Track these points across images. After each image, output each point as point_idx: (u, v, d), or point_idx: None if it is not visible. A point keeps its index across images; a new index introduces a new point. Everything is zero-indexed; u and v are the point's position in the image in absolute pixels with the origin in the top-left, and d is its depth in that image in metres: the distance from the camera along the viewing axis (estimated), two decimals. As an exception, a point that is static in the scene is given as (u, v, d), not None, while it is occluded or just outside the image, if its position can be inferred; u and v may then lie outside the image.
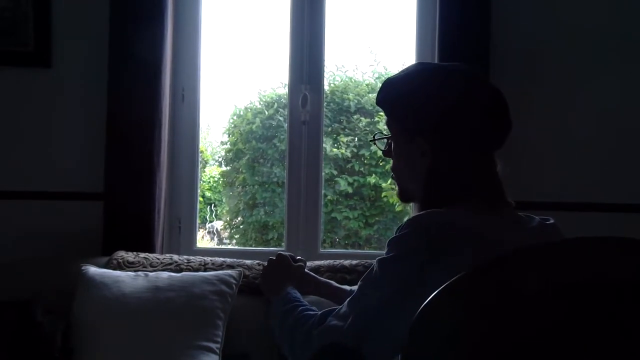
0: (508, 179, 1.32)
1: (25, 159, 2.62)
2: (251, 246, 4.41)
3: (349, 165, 4.24)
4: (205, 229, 5.13)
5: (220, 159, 5.05)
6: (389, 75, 1.42)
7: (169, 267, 2.30)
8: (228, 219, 4.85)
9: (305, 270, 1.65)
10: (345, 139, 4.23)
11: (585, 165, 2.64)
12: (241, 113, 4.58)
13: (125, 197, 2.51)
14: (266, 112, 4.41)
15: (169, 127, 2.65)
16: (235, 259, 2.38)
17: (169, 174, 2.68)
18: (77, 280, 2.16)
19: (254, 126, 4.37)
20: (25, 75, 2.62)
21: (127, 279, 2.15)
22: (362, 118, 4.23)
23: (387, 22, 4.10)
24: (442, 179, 1.29)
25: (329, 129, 4.18)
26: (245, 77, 4.52)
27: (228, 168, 4.77)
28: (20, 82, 2.62)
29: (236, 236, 4.72)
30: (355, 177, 4.23)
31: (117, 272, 2.21)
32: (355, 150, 4.24)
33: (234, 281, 2.18)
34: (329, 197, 4.15)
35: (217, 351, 2.06)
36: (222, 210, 5.11)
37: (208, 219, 5.17)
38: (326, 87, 3.97)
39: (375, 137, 1.48)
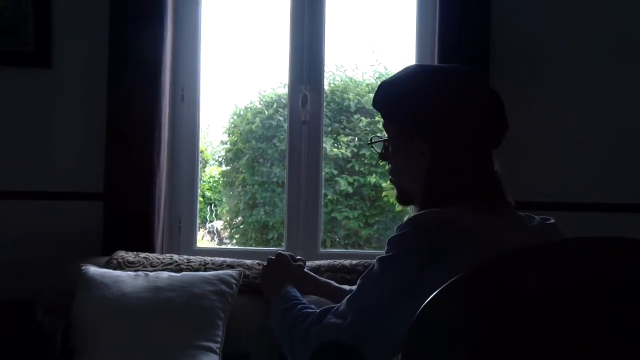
0: (508, 179, 1.32)
1: (25, 159, 2.62)
2: (251, 246, 4.41)
3: (349, 165, 4.24)
4: (206, 229, 5.13)
5: (220, 159, 5.05)
6: (389, 75, 1.42)
7: (169, 267, 2.30)
8: (228, 218, 4.85)
9: (305, 270, 1.65)
10: (345, 139, 4.23)
11: (585, 165, 2.64)
12: (241, 113, 4.59)
13: (125, 197, 2.51)
14: (266, 112, 4.41)
15: (169, 127, 2.65)
16: (235, 259, 2.38)
17: (169, 173, 2.68)
18: (77, 280, 2.16)
19: (253, 126, 4.37)
20: (25, 75, 2.62)
21: (127, 279, 2.15)
22: (362, 118, 4.23)
23: (387, 22, 4.10)
24: (442, 178, 1.29)
25: (329, 129, 4.18)
26: (245, 76, 4.53)
27: (228, 168, 4.77)
28: (20, 82, 2.62)
29: (236, 236, 4.72)
30: (356, 177, 4.23)
31: (117, 272, 2.21)
32: (355, 150, 4.24)
33: (234, 281, 2.18)
34: (329, 197, 4.15)
35: (217, 351, 2.06)
36: (222, 210, 5.12)
37: (208, 218, 5.18)
38: (326, 87, 3.97)
39: (372, 140, 1.47)
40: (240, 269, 2.28)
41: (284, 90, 4.17)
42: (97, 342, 2.02)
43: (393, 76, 1.39)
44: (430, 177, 1.30)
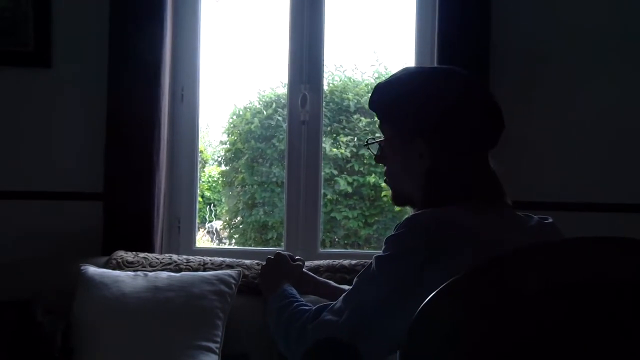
0: (508, 179, 1.32)
1: (25, 159, 2.62)
2: (250, 246, 4.40)
3: (348, 165, 4.24)
4: (205, 229, 5.12)
5: (219, 159, 5.05)
6: (389, 75, 1.42)
7: (168, 267, 2.30)
8: (227, 218, 4.85)
9: (304, 270, 1.65)
10: (344, 139, 4.23)
11: (585, 165, 2.64)
12: (240, 113, 4.58)
13: (125, 197, 2.51)
14: (265, 112, 4.41)
15: (169, 126, 2.65)
16: (234, 259, 2.38)
17: (168, 173, 2.68)
18: (77, 280, 2.16)
19: (253, 126, 4.37)
20: (25, 75, 2.62)
21: (126, 279, 2.15)
22: (362, 118, 4.23)
23: (387, 22, 4.10)
24: (442, 179, 1.29)
25: (329, 129, 4.18)
26: (244, 76, 4.52)
27: (227, 168, 4.76)
28: (20, 82, 2.62)
29: (235, 236, 4.71)
30: (355, 177, 4.23)
31: (117, 272, 2.21)
32: (354, 150, 4.24)
33: (233, 281, 2.18)
34: (328, 197, 4.15)
35: (217, 351, 2.06)
36: (221, 210, 5.11)
37: (207, 218, 5.17)
38: (325, 87, 3.97)
39: (369, 142, 1.46)
40: (240, 269, 2.28)
41: (283, 90, 4.17)
42: (96, 342, 2.02)
43: (390, 77, 1.39)
44: (429, 177, 1.30)
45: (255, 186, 4.39)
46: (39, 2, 2.57)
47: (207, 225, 5.15)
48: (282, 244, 2.84)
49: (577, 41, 2.65)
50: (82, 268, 2.19)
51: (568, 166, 2.65)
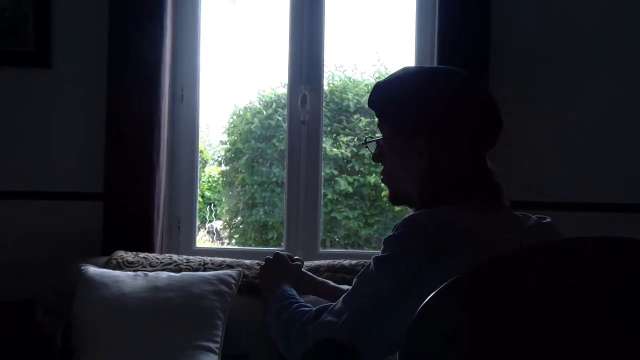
0: (508, 179, 1.32)
1: (25, 159, 2.62)
2: (250, 246, 4.40)
3: (349, 165, 4.24)
4: (205, 229, 5.12)
5: (219, 159, 5.05)
6: (387, 75, 1.42)
7: (168, 267, 2.30)
8: (227, 218, 4.85)
9: (303, 269, 1.65)
10: (345, 139, 4.23)
11: (585, 165, 2.64)
12: (240, 113, 4.58)
13: (125, 197, 2.51)
14: (265, 112, 4.41)
15: (169, 126, 2.65)
16: (234, 259, 2.38)
17: (168, 173, 2.68)
18: (77, 280, 2.16)
19: (253, 126, 4.37)
20: (25, 75, 2.62)
21: (126, 279, 2.15)
22: (362, 118, 4.23)
23: (387, 22, 4.10)
24: (442, 178, 1.29)
25: (329, 129, 4.18)
26: (244, 76, 4.52)
27: (227, 168, 4.76)
28: (20, 82, 2.62)
29: (235, 236, 4.71)
30: (356, 177, 4.23)
31: (117, 272, 2.21)
32: (355, 150, 4.23)
33: (233, 281, 2.18)
34: (328, 197, 4.15)
35: (217, 351, 2.06)
36: (221, 210, 5.11)
37: (207, 218, 5.17)
38: (325, 87, 3.97)
39: (367, 140, 1.46)
40: (240, 269, 2.28)
41: (283, 90, 4.17)
42: (96, 342, 2.02)
43: (389, 77, 1.39)
44: (429, 177, 1.30)
45: (255, 186, 4.39)
46: (39, 2, 2.57)
47: (207, 225, 5.15)
48: (282, 244, 2.84)
49: (577, 41, 2.65)
50: (82, 268, 2.19)
51: (568, 166, 2.65)
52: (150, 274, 2.20)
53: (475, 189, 1.29)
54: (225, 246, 4.58)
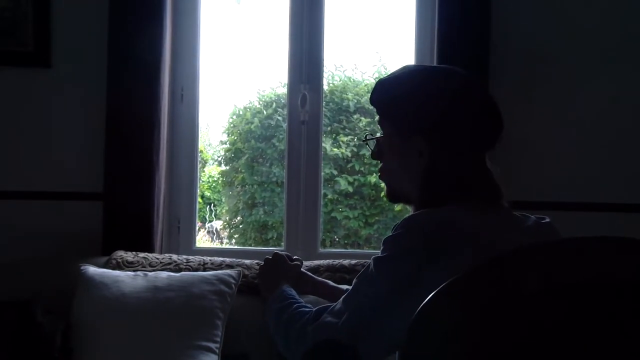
0: (508, 179, 1.32)
1: (25, 159, 2.62)
2: (250, 246, 4.40)
3: (349, 165, 4.24)
4: (205, 229, 5.12)
5: (219, 159, 5.05)
6: (389, 73, 1.42)
7: (168, 266, 2.30)
8: (227, 218, 4.85)
9: (302, 270, 1.65)
10: (345, 139, 4.23)
11: (585, 165, 2.64)
12: (240, 112, 4.58)
13: (125, 197, 2.51)
14: (265, 112, 4.41)
15: (168, 126, 2.65)
16: (234, 259, 2.38)
17: (168, 173, 2.68)
18: (77, 280, 2.16)
19: (252, 126, 4.37)
20: (24, 75, 2.62)
21: (126, 279, 2.15)
22: (362, 118, 4.23)
23: (387, 22, 4.10)
24: (442, 178, 1.29)
25: (329, 129, 4.18)
26: (244, 76, 4.52)
27: (227, 168, 4.76)
28: (20, 82, 2.62)
29: (235, 236, 4.71)
30: (356, 177, 4.23)
31: (117, 272, 2.21)
32: (355, 149, 4.24)
33: (233, 281, 2.18)
34: (329, 197, 4.15)
35: (217, 351, 2.06)
36: (221, 210, 5.11)
37: (207, 218, 5.17)
38: (325, 87, 3.97)
39: (367, 138, 1.46)
40: (240, 269, 2.28)
41: (283, 90, 4.16)
42: (96, 342, 2.02)
43: (390, 75, 1.39)
44: (429, 176, 1.30)
45: (255, 186, 4.39)
46: (38, 2, 2.57)
47: (207, 225, 5.15)
48: (282, 243, 2.84)
49: (577, 41, 2.65)
50: (82, 268, 2.19)
51: (568, 166, 2.65)
52: (150, 274, 2.20)
53: (475, 189, 1.29)
54: (225, 246, 4.59)
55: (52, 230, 2.58)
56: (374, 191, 4.23)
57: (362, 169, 4.23)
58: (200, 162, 2.95)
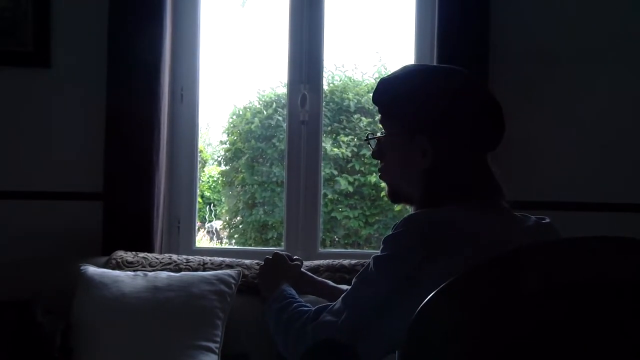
0: (508, 179, 1.32)
1: (25, 159, 2.62)
2: (250, 246, 4.40)
3: (349, 165, 4.24)
4: (205, 229, 5.12)
5: (219, 159, 5.05)
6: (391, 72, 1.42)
7: (168, 266, 2.30)
8: (227, 218, 4.85)
9: (302, 269, 1.65)
10: (345, 139, 4.23)
11: (585, 165, 2.64)
12: (240, 112, 4.58)
13: (125, 197, 2.51)
14: (265, 112, 4.41)
15: (168, 126, 2.65)
16: (234, 259, 2.38)
17: (168, 173, 2.68)
18: (77, 280, 2.16)
19: (253, 126, 4.37)
20: (24, 75, 2.62)
21: (126, 279, 2.15)
22: (362, 118, 4.23)
23: (387, 22, 4.10)
24: (443, 178, 1.29)
25: (329, 129, 4.18)
26: (244, 76, 4.52)
27: (227, 168, 4.76)
28: (20, 82, 2.62)
29: (235, 236, 4.71)
30: (356, 177, 4.23)
31: (116, 272, 2.21)
32: (355, 149, 4.24)
33: (233, 281, 2.18)
34: (329, 197, 4.15)
35: (217, 351, 2.06)
36: (221, 210, 5.11)
37: (207, 218, 5.17)
38: (325, 87, 3.97)
39: (369, 137, 1.46)
40: (239, 268, 2.28)
41: (283, 90, 4.16)
42: (96, 342, 2.02)
43: (392, 74, 1.39)
44: (430, 176, 1.30)
45: (255, 186, 4.39)
46: (38, 2, 2.57)
47: (207, 225, 5.15)
48: (282, 243, 2.84)
49: (577, 41, 2.65)
50: (82, 268, 2.19)
51: (568, 166, 2.65)
52: (149, 274, 2.20)
53: (476, 189, 1.29)
54: (224, 246, 4.59)
55: (52, 230, 2.58)
56: (374, 191, 4.23)
57: (362, 168, 4.23)
58: (200, 162, 2.95)
